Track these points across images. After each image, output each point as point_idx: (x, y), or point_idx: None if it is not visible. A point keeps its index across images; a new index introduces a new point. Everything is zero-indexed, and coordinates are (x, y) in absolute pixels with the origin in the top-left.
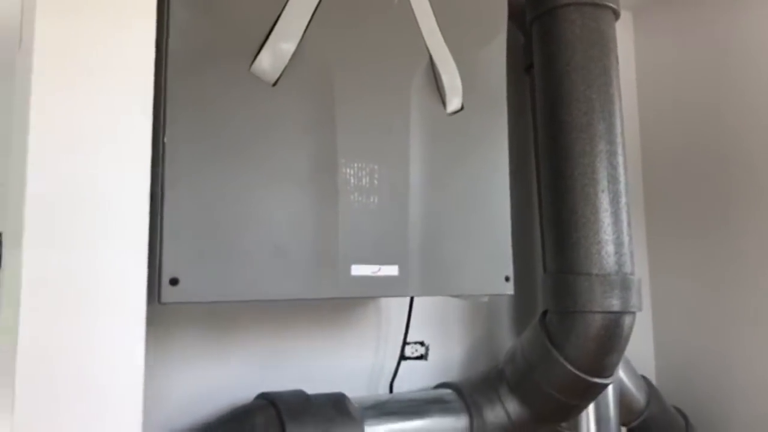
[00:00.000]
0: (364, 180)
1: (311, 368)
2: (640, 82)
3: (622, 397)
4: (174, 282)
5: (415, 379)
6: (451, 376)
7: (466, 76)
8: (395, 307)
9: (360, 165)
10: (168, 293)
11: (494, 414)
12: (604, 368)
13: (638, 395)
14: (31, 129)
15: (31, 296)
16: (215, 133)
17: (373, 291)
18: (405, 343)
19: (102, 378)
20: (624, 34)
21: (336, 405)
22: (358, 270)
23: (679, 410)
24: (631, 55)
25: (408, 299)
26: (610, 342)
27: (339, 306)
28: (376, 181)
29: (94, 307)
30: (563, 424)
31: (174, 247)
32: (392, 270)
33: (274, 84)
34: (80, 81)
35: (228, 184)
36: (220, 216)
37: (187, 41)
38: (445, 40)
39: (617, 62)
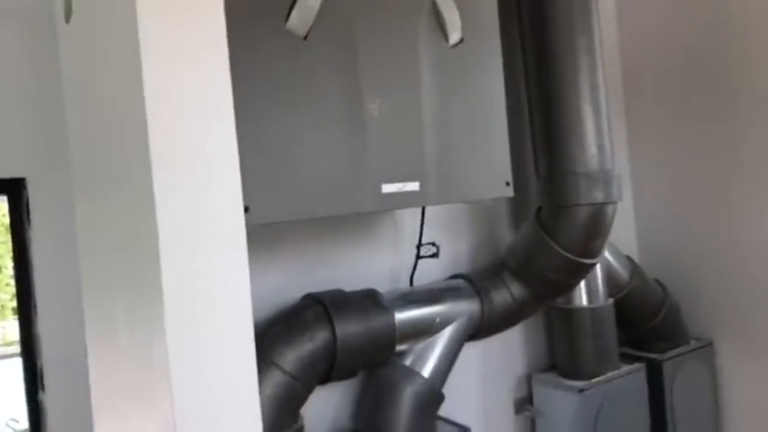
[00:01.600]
0: (385, 111)
1: (343, 272)
2: None
3: (608, 273)
4: (246, 209)
5: (430, 273)
6: (461, 269)
7: (463, 11)
8: (408, 215)
9: (381, 99)
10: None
11: (501, 296)
12: (592, 251)
13: (622, 271)
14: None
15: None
16: (265, 83)
17: (401, 204)
18: (420, 244)
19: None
20: None
21: (370, 298)
22: (388, 188)
23: (658, 281)
24: None
25: (420, 208)
26: (596, 228)
27: (361, 219)
28: (395, 111)
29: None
30: (559, 300)
31: (244, 181)
32: (414, 186)
33: (305, 38)
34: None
35: (278, 126)
36: (274, 152)
37: (237, 7)
38: None
39: None
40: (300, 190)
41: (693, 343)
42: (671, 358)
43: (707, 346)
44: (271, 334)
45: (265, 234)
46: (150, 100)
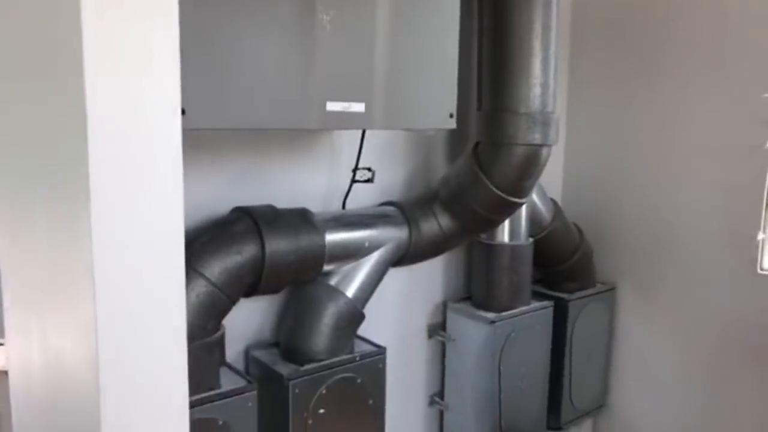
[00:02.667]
0: (338, 25)
1: (276, 188)
2: None
3: (532, 214)
4: (182, 112)
5: (363, 198)
6: (394, 196)
7: None
8: (346, 137)
9: (335, 11)
10: None
11: (429, 226)
12: (522, 190)
13: (545, 213)
14: None
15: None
16: None
17: (344, 124)
18: (356, 168)
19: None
20: None
21: (302, 217)
22: (332, 106)
23: (576, 225)
24: None
25: (359, 131)
26: (529, 169)
27: (300, 136)
28: (348, 26)
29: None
30: (483, 235)
31: (183, 83)
32: (359, 107)
33: None
34: None
35: (223, 29)
36: (217, 57)
37: None
38: None
39: None
40: (241, 98)
41: (599, 287)
42: (577, 298)
43: (611, 290)
44: (199, 244)
45: (198, 141)
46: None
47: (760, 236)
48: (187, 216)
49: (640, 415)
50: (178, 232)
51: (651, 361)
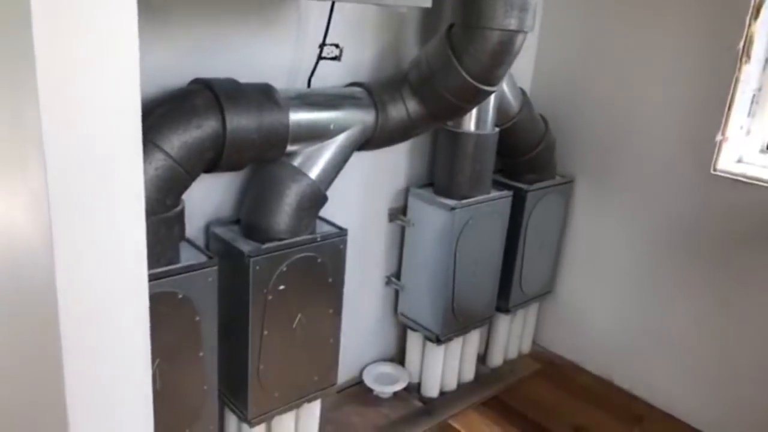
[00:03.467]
0: None
1: (238, 61)
2: None
3: (500, 103)
4: None
5: (329, 77)
6: (361, 77)
7: None
8: (314, 10)
9: None
10: None
11: (396, 110)
12: (493, 78)
13: (514, 103)
14: None
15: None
16: None
17: None
18: (323, 44)
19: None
20: None
21: (265, 93)
22: None
23: (542, 117)
24: None
25: (328, 4)
26: (503, 56)
27: (264, 6)
28: None
29: None
30: (450, 123)
31: None
32: None
33: None
34: None
35: None
36: None
37: None
38: None
39: None
40: None
41: (558, 179)
42: (536, 189)
43: (569, 183)
44: (156, 116)
45: (155, 5)
46: None
47: (718, 137)
48: (143, 85)
49: (582, 301)
50: (134, 100)
51: (599, 253)
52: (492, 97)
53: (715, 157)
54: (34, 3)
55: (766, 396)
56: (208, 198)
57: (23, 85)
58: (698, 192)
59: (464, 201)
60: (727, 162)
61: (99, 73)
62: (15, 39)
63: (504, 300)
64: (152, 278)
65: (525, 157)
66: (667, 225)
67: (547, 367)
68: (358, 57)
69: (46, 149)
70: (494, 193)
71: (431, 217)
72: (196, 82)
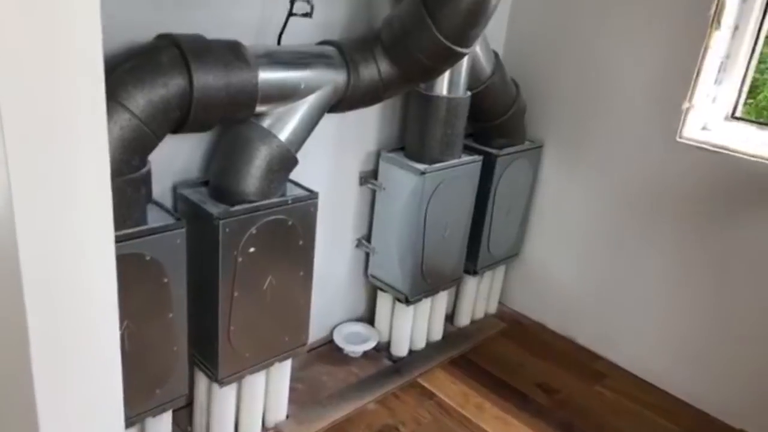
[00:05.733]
0: None
1: (204, 15)
2: None
3: (473, 66)
4: None
5: (300, 34)
6: (333, 35)
7: None
8: None
9: None
10: None
11: (368, 71)
12: (467, 39)
13: (486, 66)
14: None
15: None
16: None
17: None
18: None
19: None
20: None
21: (233, 50)
22: None
23: (514, 81)
24: None
25: None
26: (476, 17)
27: None
28: None
29: None
30: (422, 85)
31: None
32: None
33: None
34: None
35: None
36: None
37: None
38: None
39: None
40: None
41: (527, 144)
42: (506, 154)
43: (538, 148)
44: (120, 73)
45: None
46: None
47: (685, 105)
48: (105, 40)
49: (548, 264)
50: (96, 55)
51: (566, 217)
52: (465, 60)
53: (681, 124)
54: None
55: (728, 353)
56: (175, 159)
57: None
58: (664, 158)
59: (435, 165)
60: (692, 129)
61: (59, 27)
62: None
63: (472, 262)
64: (119, 240)
65: (496, 122)
66: (633, 190)
67: (513, 327)
68: (330, 14)
69: (2, 109)
70: (465, 158)
71: (402, 181)
72: (162, 37)
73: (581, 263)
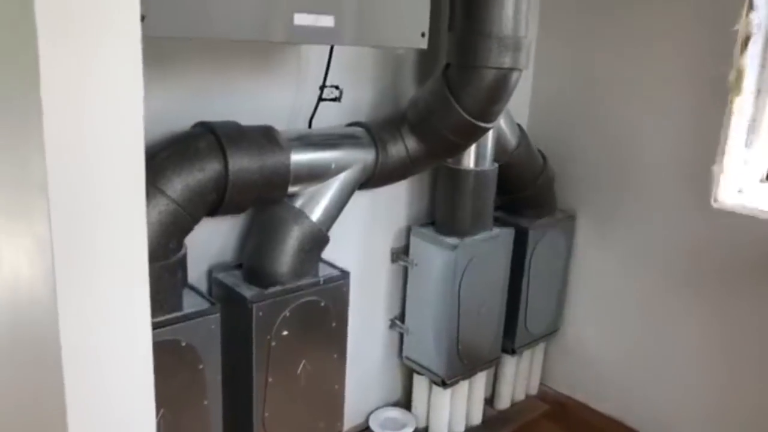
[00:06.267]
0: None
1: (240, 104)
2: None
3: (498, 139)
4: (142, 18)
5: (330, 118)
6: (361, 116)
7: None
8: (313, 53)
9: None
10: None
11: (396, 149)
12: (490, 115)
13: (511, 138)
14: None
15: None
16: None
17: (312, 38)
18: (323, 86)
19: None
20: None
21: (266, 135)
22: (300, 19)
23: (540, 152)
24: None
25: (327, 47)
26: (498, 93)
27: (265, 49)
28: None
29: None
30: (449, 160)
31: None
32: (329, 21)
33: None
34: None
35: None
36: None
37: None
38: None
39: None
40: (205, 5)
41: (558, 215)
42: (538, 225)
43: (570, 218)
44: (159, 160)
45: (159, 50)
46: None
47: (717, 169)
48: (146, 130)
49: (590, 339)
50: (138, 145)
51: (605, 289)
52: (490, 133)
53: (715, 189)
54: (42, 50)
55: None
56: (210, 242)
57: (29, 132)
58: (700, 224)
59: (466, 239)
60: (727, 193)
61: (103, 119)
62: (21, 86)
63: (510, 340)
64: (155, 326)
65: (524, 193)
66: (671, 258)
67: (556, 409)
68: (358, 97)
69: (50, 195)
70: (496, 231)
71: (434, 257)
72: (199, 125)
73: (624, 337)
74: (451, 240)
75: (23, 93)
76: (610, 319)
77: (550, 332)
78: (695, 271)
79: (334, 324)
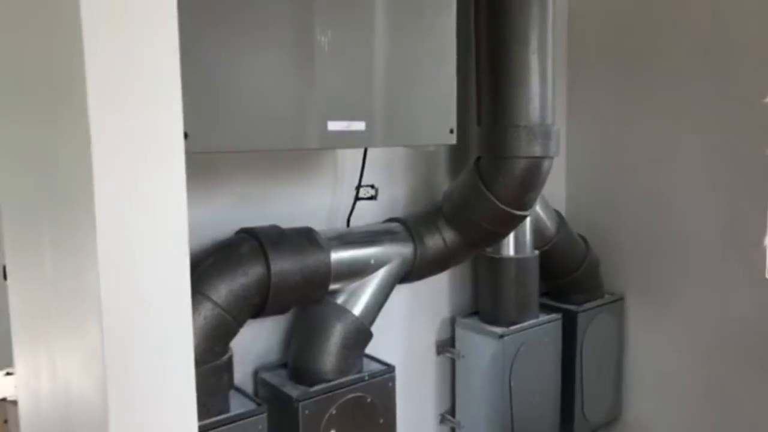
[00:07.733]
0: (336, 45)
1: (280, 208)
2: None
3: (537, 226)
4: (185, 136)
5: (367, 216)
6: (397, 212)
7: None
8: (348, 155)
9: (332, 31)
10: None
11: (433, 241)
12: (525, 203)
13: (550, 225)
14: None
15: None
16: (213, 5)
17: (346, 143)
18: (359, 186)
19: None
20: None
21: (306, 236)
22: (333, 126)
23: (581, 236)
24: None
25: (361, 149)
26: (531, 182)
27: (302, 156)
28: (346, 46)
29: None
30: (488, 249)
31: (185, 106)
32: (360, 125)
33: None
34: None
35: (223, 52)
36: (219, 79)
37: None
38: None
39: None
40: (243, 120)
41: (607, 297)
42: (586, 310)
43: (619, 301)
44: (204, 267)
45: (201, 164)
46: (87, 21)
47: (766, 241)
48: (191, 238)
49: (652, 425)
50: (184, 255)
51: (663, 371)
52: (527, 221)
53: (766, 261)
54: (96, 174)
55: None
56: (255, 343)
57: (84, 249)
58: (755, 298)
59: (513, 327)
60: None
61: (150, 232)
62: (77, 205)
63: (567, 430)
64: (203, 430)
65: (569, 278)
66: (728, 335)
67: None
68: (393, 194)
69: (103, 307)
70: (543, 317)
71: (480, 347)
72: (242, 231)
73: (687, 420)
74: (497, 329)
75: (77, 209)
76: (672, 401)
77: (611, 419)
78: (754, 347)
79: (381, 420)
